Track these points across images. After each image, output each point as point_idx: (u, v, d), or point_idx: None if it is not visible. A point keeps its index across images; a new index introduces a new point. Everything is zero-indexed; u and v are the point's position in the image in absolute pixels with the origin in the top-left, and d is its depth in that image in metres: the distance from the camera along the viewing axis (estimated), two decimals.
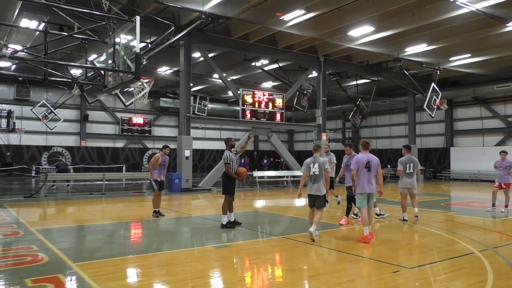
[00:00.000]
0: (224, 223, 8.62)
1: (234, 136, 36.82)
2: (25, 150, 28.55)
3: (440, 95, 22.97)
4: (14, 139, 27.88)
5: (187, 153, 18.27)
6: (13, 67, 20.97)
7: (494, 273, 5.37)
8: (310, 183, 7.59)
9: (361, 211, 7.60)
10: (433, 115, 23.47)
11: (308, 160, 7.72)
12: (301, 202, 14.72)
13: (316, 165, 7.51)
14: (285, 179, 22.34)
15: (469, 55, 21.01)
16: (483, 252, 6.56)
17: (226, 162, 8.68)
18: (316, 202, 7.53)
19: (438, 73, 23.33)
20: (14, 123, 24.22)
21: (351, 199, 9.18)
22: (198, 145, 33.84)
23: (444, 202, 14.60)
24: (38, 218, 10.96)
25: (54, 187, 18.15)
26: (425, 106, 22.83)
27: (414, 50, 20.42)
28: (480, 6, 14.51)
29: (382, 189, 7.78)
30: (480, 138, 28.00)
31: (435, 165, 29.71)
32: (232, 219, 8.88)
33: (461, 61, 22.15)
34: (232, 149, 8.92)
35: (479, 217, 10.68)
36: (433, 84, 22.63)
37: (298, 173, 21.66)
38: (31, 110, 26.36)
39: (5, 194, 15.88)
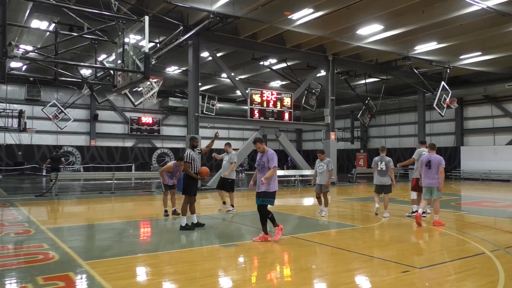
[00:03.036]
0: (183, 224, 8.30)
1: (243, 135, 36.90)
2: (36, 150, 28.91)
3: (450, 94, 22.75)
4: (25, 138, 28.22)
5: None
6: (24, 67, 21.18)
7: (505, 273, 5.30)
8: (379, 176, 9.90)
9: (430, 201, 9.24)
10: (443, 114, 23.26)
11: (376, 158, 10.01)
12: (310, 201, 14.70)
13: (384, 163, 9.81)
14: (293, 178, 22.26)
15: (479, 53, 20.75)
16: (494, 252, 6.48)
17: (186, 160, 8.39)
18: (384, 189, 9.92)
19: (448, 71, 23.08)
20: (25, 123, 24.47)
21: (263, 209, 7.39)
22: (206, 144, 33.92)
23: (454, 202, 14.45)
24: (48, 216, 11.08)
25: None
26: (435, 105, 22.62)
27: (424, 48, 20.21)
28: (490, 3, 14.34)
29: (442, 185, 8.96)
30: (491, 137, 27.68)
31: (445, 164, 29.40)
32: (195, 221, 8.57)
33: (471, 59, 21.89)
34: (196, 149, 8.70)
35: (490, 216, 10.56)
36: (443, 83, 22.41)
37: (306, 172, 21.53)
38: (41, 110, 26.66)
39: (16, 193, 16.09)
